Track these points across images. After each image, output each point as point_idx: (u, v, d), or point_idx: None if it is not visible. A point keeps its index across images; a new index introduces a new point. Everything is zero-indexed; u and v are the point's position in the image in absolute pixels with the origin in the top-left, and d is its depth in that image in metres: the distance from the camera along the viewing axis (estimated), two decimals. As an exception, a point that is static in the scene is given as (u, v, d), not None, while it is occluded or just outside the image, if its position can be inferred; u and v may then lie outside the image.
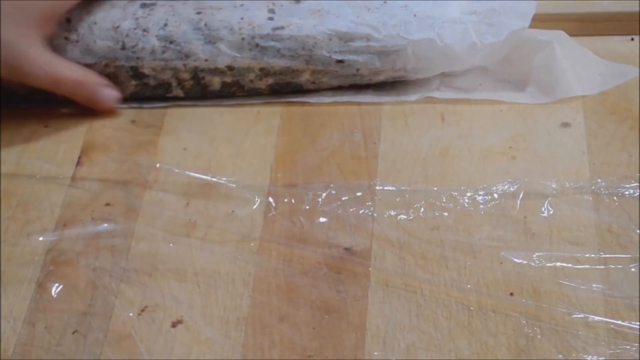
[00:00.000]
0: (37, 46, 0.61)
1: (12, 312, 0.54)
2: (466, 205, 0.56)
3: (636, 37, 0.65)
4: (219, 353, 0.51)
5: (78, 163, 0.63)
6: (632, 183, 0.56)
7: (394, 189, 0.58)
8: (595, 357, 0.47)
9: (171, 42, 0.63)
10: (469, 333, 0.50)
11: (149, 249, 0.57)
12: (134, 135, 0.64)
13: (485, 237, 0.54)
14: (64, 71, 0.62)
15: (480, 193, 0.57)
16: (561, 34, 0.62)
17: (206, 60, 0.63)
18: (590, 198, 0.56)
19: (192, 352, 0.51)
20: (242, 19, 0.62)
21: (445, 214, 0.56)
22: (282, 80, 0.63)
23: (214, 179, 0.60)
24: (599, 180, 0.56)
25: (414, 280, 0.53)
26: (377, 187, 0.58)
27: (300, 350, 0.51)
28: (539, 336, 0.49)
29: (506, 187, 0.57)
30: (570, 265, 0.52)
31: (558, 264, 0.53)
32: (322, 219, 0.57)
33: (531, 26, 0.65)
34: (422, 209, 0.56)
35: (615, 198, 0.55)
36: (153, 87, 0.65)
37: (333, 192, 0.58)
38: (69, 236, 0.58)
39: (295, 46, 0.62)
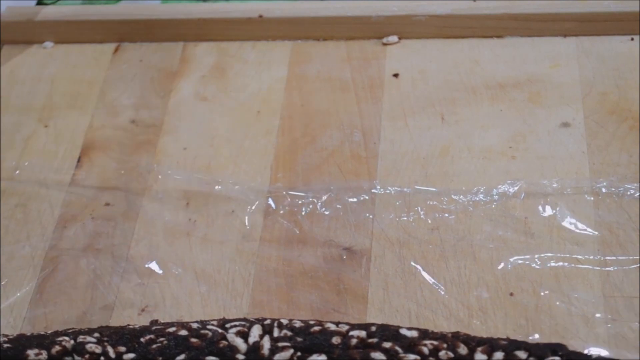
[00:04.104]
0: None
1: (12, 312, 0.54)
2: (466, 205, 0.56)
3: (636, 37, 0.65)
4: (219, 353, 0.51)
5: (78, 163, 0.63)
6: (632, 183, 0.56)
7: (394, 190, 0.58)
8: (596, 357, 0.47)
9: None
10: (469, 333, 0.50)
11: (149, 249, 0.57)
12: (134, 135, 0.64)
13: (485, 237, 0.55)
14: None
15: (480, 194, 0.57)
16: None
17: None
18: (591, 198, 0.56)
19: (192, 352, 0.51)
20: None
21: (446, 214, 0.56)
22: None
23: (214, 179, 0.60)
24: (599, 180, 0.56)
25: (413, 280, 0.53)
26: (377, 188, 0.58)
27: (300, 350, 0.50)
28: (538, 336, 0.49)
29: (506, 187, 0.57)
30: (570, 265, 0.52)
31: (558, 264, 0.53)
32: (322, 219, 0.57)
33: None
34: (422, 210, 0.56)
35: (615, 198, 0.55)
36: None
37: (333, 192, 0.58)
38: (68, 236, 0.58)
39: None
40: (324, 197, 0.58)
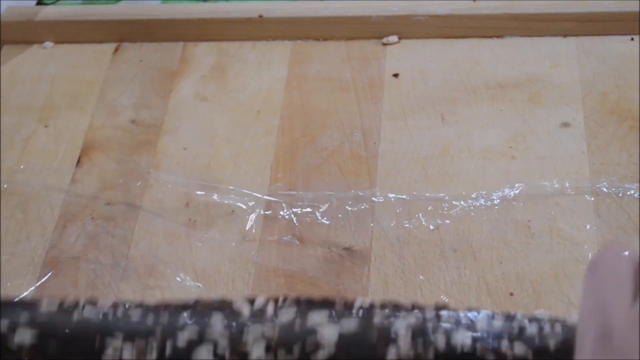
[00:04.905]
0: None
1: (12, 312, 0.54)
2: (467, 206, 0.56)
3: (636, 37, 0.65)
4: (219, 353, 0.51)
5: (78, 163, 0.63)
6: (632, 183, 0.56)
7: (394, 193, 0.58)
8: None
9: None
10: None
11: (149, 249, 0.57)
12: (133, 135, 0.64)
13: (485, 237, 0.54)
14: None
15: (481, 193, 0.57)
16: None
17: None
18: (591, 198, 0.56)
19: (192, 352, 0.51)
20: None
21: (447, 216, 0.56)
22: None
23: (214, 179, 0.60)
24: (599, 180, 0.56)
25: (414, 280, 0.53)
26: (378, 188, 0.58)
27: (300, 350, 0.50)
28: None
29: (507, 187, 0.57)
30: (570, 265, 0.52)
31: (558, 264, 0.53)
32: (322, 219, 0.57)
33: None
34: (423, 214, 0.56)
35: (615, 198, 0.55)
36: None
37: (333, 192, 0.58)
38: (68, 236, 0.58)
39: None
40: (324, 197, 0.58)
